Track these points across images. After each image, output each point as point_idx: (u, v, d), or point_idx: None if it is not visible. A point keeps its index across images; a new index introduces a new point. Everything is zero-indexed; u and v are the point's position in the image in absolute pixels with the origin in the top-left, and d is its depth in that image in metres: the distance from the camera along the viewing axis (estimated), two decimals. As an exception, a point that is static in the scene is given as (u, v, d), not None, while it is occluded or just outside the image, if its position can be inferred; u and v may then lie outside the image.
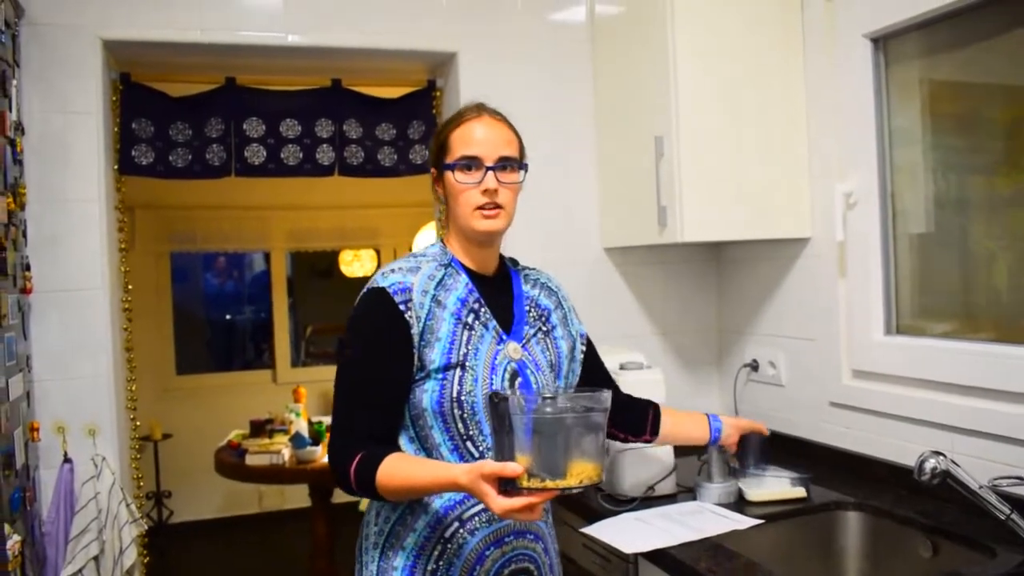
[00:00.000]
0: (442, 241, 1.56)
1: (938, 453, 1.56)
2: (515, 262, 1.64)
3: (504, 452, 1.23)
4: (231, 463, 3.72)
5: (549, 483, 1.20)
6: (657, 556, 1.63)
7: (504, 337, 1.47)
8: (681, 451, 2.02)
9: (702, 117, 2.09)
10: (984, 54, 1.85)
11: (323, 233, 5.71)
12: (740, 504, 1.87)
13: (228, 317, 6.21)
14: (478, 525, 1.43)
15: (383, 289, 1.42)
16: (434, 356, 1.41)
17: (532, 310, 1.56)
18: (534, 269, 1.65)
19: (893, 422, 1.92)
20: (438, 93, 2.63)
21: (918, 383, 1.87)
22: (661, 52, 2.11)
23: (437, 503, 1.42)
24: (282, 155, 2.58)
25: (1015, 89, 1.82)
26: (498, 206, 1.46)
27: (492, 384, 1.43)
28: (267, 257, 5.79)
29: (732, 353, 2.52)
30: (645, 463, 1.94)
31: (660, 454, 1.96)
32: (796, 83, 2.17)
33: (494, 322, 1.48)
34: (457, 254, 1.52)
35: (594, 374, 1.67)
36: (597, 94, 2.49)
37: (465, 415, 1.41)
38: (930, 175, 1.97)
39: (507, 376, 1.45)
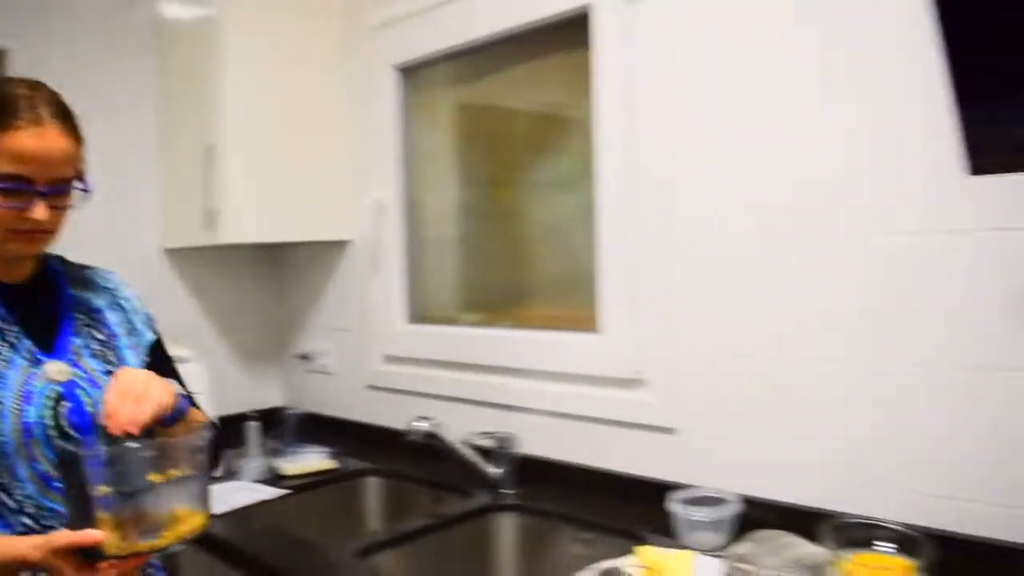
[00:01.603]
0: None
1: (425, 418, 1.88)
2: (62, 260, 1.38)
3: (81, 518, 1.02)
4: None
5: (141, 545, 1.03)
6: (185, 528, 1.78)
7: (41, 357, 1.21)
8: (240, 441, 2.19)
9: (251, 131, 2.26)
10: (495, 83, 2.21)
11: None
12: (277, 479, 2.07)
13: None
14: None
15: None
16: None
17: (82, 316, 1.31)
18: (88, 267, 1.40)
19: (414, 398, 2.24)
20: (-17, 87, 2.51)
21: (432, 363, 2.21)
22: (212, 67, 2.24)
23: None
24: None
25: (519, 113, 2.20)
26: (45, 230, 1.22)
27: (27, 416, 1.16)
28: None
29: (290, 346, 2.72)
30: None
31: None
32: (339, 104, 2.43)
33: (28, 341, 1.21)
34: None
35: None
36: (160, 99, 2.55)
37: None
38: (445, 186, 2.33)
39: (47, 403, 1.18)
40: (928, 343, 1.35)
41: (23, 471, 1.16)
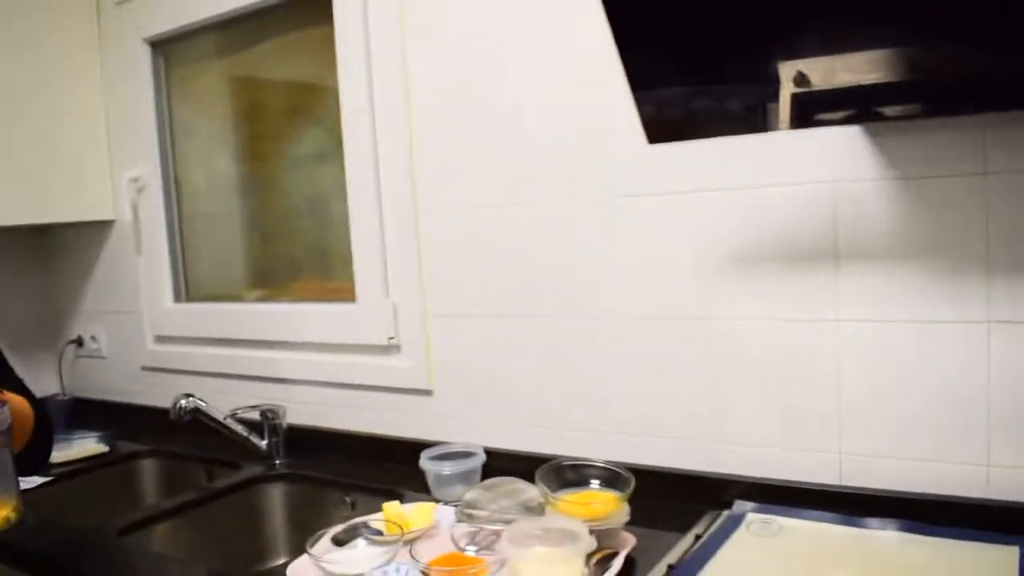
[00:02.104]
0: None
1: (189, 395, 1.88)
2: None
3: None
4: None
5: None
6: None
7: None
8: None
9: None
10: (255, 56, 2.18)
11: None
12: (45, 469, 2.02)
13: None
14: None
15: None
16: None
17: None
18: None
19: (187, 376, 2.23)
20: None
21: (200, 341, 2.22)
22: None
23: None
24: None
25: (280, 85, 2.19)
26: None
27: None
28: None
29: (64, 332, 2.63)
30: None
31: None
32: (92, 80, 2.34)
33: None
34: None
35: None
36: None
37: None
38: (209, 162, 2.29)
39: None
40: (639, 295, 1.50)
41: None
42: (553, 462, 1.37)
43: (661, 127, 1.24)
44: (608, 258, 1.53)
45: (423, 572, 1.21)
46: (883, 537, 1.25)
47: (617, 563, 1.23)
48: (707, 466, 1.47)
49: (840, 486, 1.36)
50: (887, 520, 1.27)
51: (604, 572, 1.20)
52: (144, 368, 2.36)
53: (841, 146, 1.31)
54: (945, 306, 1.25)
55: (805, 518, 1.33)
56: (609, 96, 1.47)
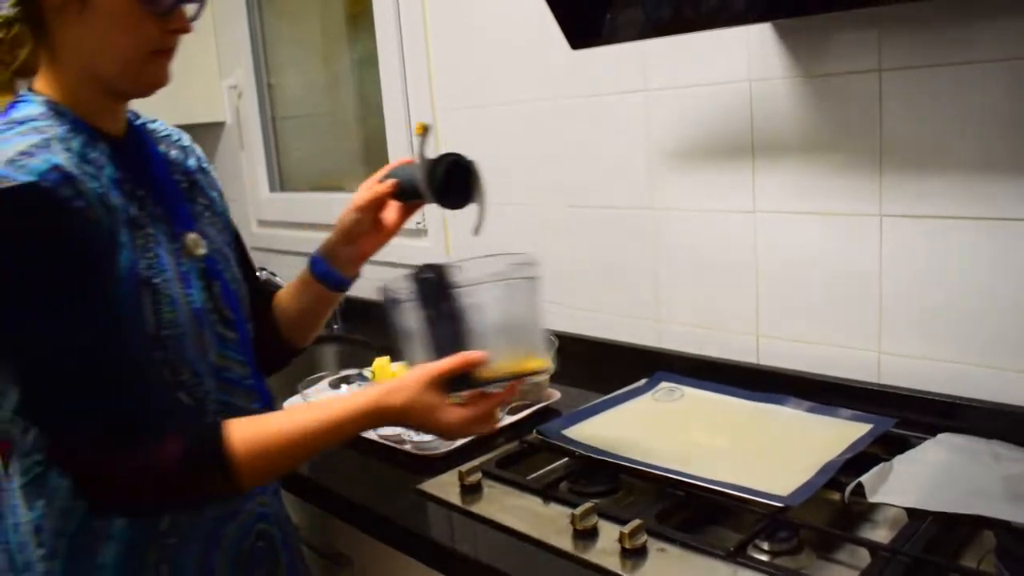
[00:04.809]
0: (31, 90, 0.96)
1: (262, 268, 2.26)
2: (135, 114, 1.09)
3: (440, 347, 0.90)
4: None
5: (529, 363, 0.94)
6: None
7: (175, 228, 1.02)
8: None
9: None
10: None
11: None
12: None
13: None
14: None
15: (39, 187, 0.84)
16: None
17: (182, 179, 1.10)
18: (153, 120, 1.14)
19: (279, 255, 2.63)
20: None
21: (288, 225, 2.60)
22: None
23: None
24: None
25: None
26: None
27: (194, 301, 0.98)
28: None
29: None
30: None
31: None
32: (204, -4, 2.70)
33: (160, 207, 1.01)
34: (78, 108, 0.95)
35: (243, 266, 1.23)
36: None
37: (170, 356, 0.95)
38: (295, 67, 2.61)
39: (200, 283, 1.01)
40: (603, 188, 1.69)
41: (201, 366, 1.00)
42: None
43: (580, 33, 1.40)
44: (585, 152, 1.71)
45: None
46: (775, 411, 1.35)
47: (528, 410, 1.47)
48: (647, 340, 1.66)
49: (756, 364, 1.50)
50: (789, 398, 1.38)
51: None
52: (252, 248, 2.76)
53: (754, 47, 1.41)
54: (843, 199, 1.35)
55: (715, 391, 1.46)
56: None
